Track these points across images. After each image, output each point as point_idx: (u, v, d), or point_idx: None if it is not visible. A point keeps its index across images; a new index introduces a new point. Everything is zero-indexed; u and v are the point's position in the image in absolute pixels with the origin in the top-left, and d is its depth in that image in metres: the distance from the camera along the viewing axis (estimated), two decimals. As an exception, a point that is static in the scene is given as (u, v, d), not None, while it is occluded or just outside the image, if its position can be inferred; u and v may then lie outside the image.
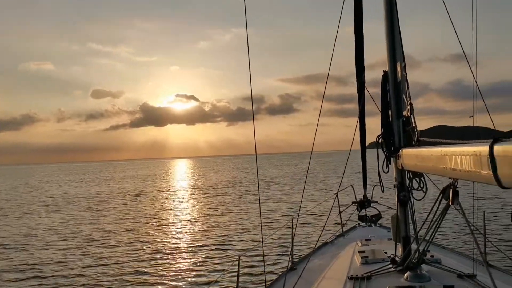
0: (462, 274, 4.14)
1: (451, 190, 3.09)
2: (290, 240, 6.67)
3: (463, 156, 2.28)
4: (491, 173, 1.90)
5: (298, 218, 6.33)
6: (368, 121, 5.32)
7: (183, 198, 37.51)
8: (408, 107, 4.35)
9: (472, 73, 4.39)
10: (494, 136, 1.94)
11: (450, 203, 3.13)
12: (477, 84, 4.31)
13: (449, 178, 2.93)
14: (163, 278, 12.22)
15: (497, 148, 1.84)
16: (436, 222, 3.69)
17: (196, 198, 37.13)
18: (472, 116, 3.98)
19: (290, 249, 6.53)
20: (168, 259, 14.65)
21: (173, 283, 11.74)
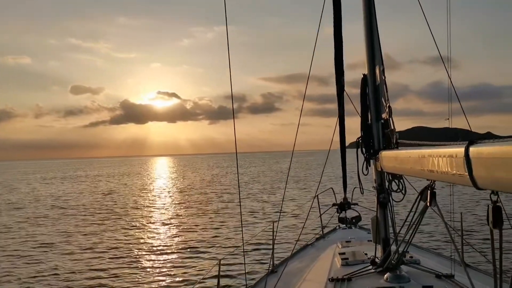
0: (440, 274, 4.21)
1: (429, 191, 3.14)
2: (271, 243, 6.68)
3: (440, 158, 2.31)
4: (467, 174, 1.93)
5: (279, 221, 6.34)
6: (348, 121, 5.37)
7: (160, 198, 36.70)
8: (387, 110, 4.41)
9: (448, 74, 4.48)
10: (470, 138, 1.97)
11: (428, 204, 3.18)
12: (453, 86, 4.40)
13: (427, 180, 2.98)
14: (139, 283, 12.01)
15: (473, 150, 1.87)
16: (415, 223, 3.74)
17: (174, 198, 36.54)
18: (448, 119, 4.06)
19: (271, 251, 6.53)
20: (144, 262, 14.40)
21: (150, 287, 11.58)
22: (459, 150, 1.99)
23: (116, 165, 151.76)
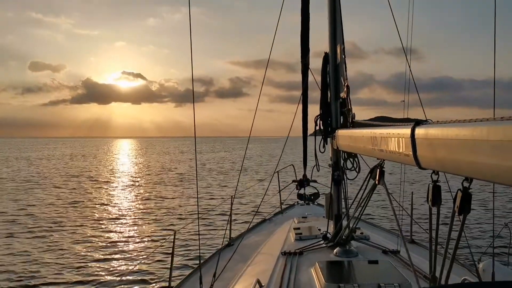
0: (387, 250, 4.39)
1: (378, 170, 3.23)
2: (228, 216, 6.73)
3: (389, 138, 2.38)
4: (412, 154, 1.99)
5: (235, 196, 6.36)
6: (310, 107, 5.40)
7: (116, 177, 35.93)
8: (345, 89, 4.47)
9: (408, 64, 4.56)
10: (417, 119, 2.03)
11: (377, 183, 3.27)
12: (412, 77, 4.47)
13: (377, 158, 3.06)
14: (92, 254, 11.86)
15: (418, 131, 1.93)
16: (365, 200, 3.86)
17: (129, 176, 36.01)
18: (403, 100, 4.16)
19: (227, 226, 6.59)
20: (96, 235, 14.23)
21: (103, 259, 11.42)
22: (406, 130, 2.05)
23: (75, 146, 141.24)
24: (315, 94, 5.25)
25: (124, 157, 74.61)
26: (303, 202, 8.13)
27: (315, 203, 8.17)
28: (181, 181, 30.61)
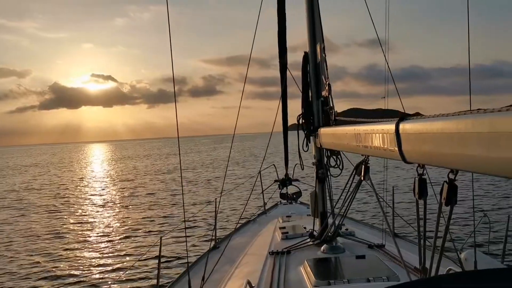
0: (372, 244, 4.46)
1: (363, 166, 3.28)
2: (213, 219, 6.71)
3: (374, 134, 2.42)
4: (397, 149, 2.04)
5: (221, 198, 6.36)
6: (290, 102, 5.44)
7: (97, 183, 35.64)
8: (327, 88, 4.52)
9: (385, 56, 4.64)
10: (401, 115, 2.07)
11: (362, 178, 3.33)
12: (389, 69, 4.56)
13: (362, 155, 3.11)
14: (80, 262, 11.71)
15: (402, 126, 1.97)
16: (350, 197, 3.91)
17: (110, 182, 35.55)
18: (384, 97, 4.23)
19: (213, 228, 6.57)
20: (84, 242, 14.06)
21: (90, 266, 11.28)
22: (390, 126, 2.09)
23: (40, 154, 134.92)
24: (292, 90, 5.28)
25: (105, 161, 72.33)
26: (286, 201, 8.18)
27: (298, 201, 8.23)
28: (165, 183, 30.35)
